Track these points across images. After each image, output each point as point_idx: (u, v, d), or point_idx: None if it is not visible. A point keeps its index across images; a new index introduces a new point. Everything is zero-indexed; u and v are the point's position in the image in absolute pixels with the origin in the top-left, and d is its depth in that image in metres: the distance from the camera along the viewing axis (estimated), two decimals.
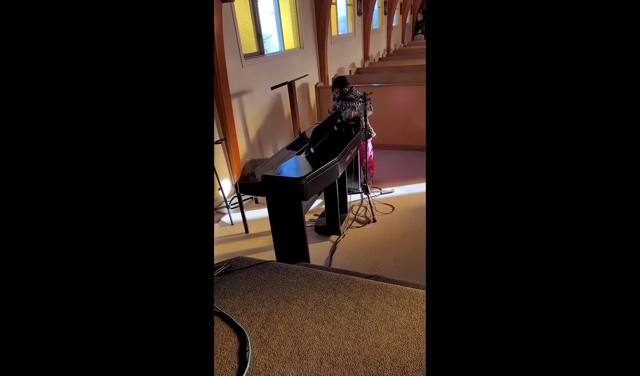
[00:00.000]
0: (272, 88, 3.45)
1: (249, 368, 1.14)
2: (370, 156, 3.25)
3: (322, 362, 1.14)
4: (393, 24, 8.55)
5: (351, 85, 3.04)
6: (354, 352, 1.17)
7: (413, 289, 1.43)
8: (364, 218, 2.82)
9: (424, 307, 1.33)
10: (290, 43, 4.39)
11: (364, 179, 3.08)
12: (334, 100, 3.08)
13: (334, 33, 5.54)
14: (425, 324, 1.25)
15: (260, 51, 3.74)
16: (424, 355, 1.13)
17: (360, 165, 3.04)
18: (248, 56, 3.50)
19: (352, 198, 3.09)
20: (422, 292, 1.41)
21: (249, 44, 3.59)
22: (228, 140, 3.12)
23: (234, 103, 3.24)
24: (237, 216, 2.93)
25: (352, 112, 2.92)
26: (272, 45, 4.13)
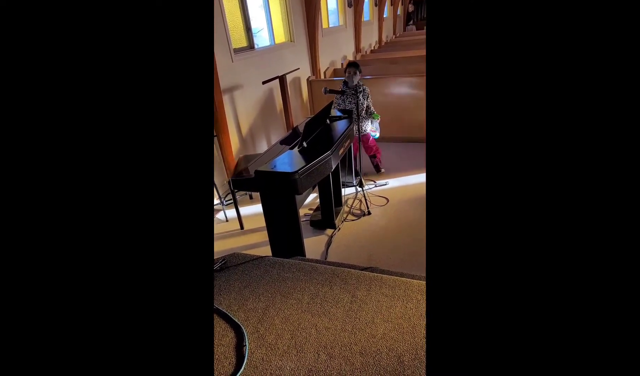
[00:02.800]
0: (264, 82, 3.42)
1: (247, 362, 1.14)
2: (372, 140, 3.28)
3: (319, 354, 1.15)
4: (384, 16, 8.50)
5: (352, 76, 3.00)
6: (351, 343, 1.18)
7: (408, 279, 1.45)
8: (358, 211, 2.82)
9: (419, 297, 1.34)
10: (280, 36, 4.34)
11: (359, 168, 3.11)
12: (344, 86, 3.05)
13: (324, 25, 5.49)
14: (420, 313, 1.27)
15: (251, 45, 3.70)
16: (420, 344, 1.15)
17: (353, 155, 3.06)
18: (238, 51, 3.46)
19: (347, 191, 3.09)
20: (417, 282, 1.42)
21: (238, 39, 3.55)
22: (220, 136, 3.10)
23: (225, 99, 3.21)
24: (231, 212, 2.92)
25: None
26: (262, 39, 4.08)
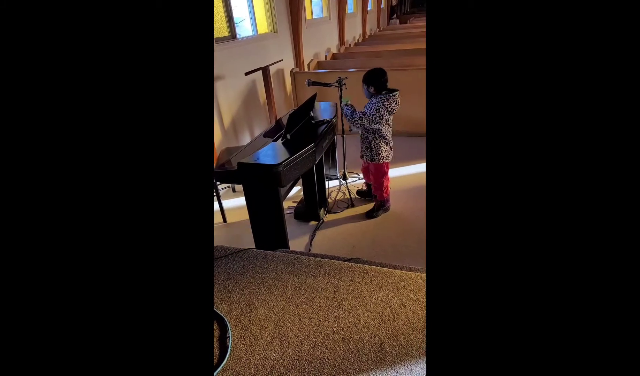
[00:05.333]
0: (246, 74, 3.37)
1: (230, 354, 1.14)
2: (385, 176, 2.54)
3: (302, 344, 1.16)
4: (368, 8, 8.49)
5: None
6: (334, 332, 1.20)
7: (390, 270, 1.48)
8: (342, 203, 2.85)
9: (400, 286, 1.37)
10: (263, 27, 4.27)
11: (344, 161, 3.08)
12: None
13: (308, 17, 5.43)
14: (401, 302, 1.30)
15: (233, 35, 3.62)
16: (400, 331, 1.18)
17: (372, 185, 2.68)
18: (219, 40, 3.38)
19: (330, 184, 3.11)
20: (399, 272, 1.45)
21: (220, 28, 3.47)
22: None
23: None
24: (214, 205, 2.88)
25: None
26: (244, 30, 4.00)
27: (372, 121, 2.31)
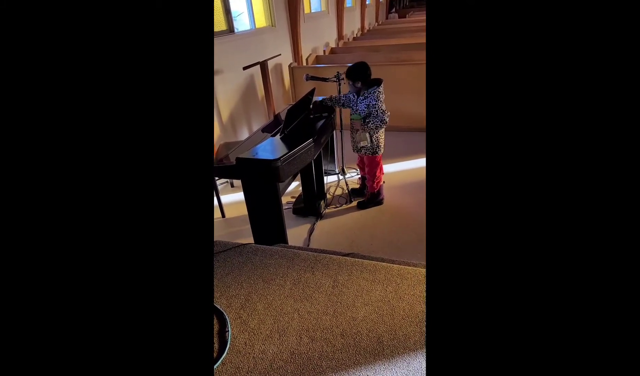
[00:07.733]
0: (244, 68, 3.35)
1: (229, 347, 1.15)
2: (379, 167, 2.59)
3: (301, 338, 1.17)
4: (367, 2, 8.42)
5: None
6: (332, 326, 1.21)
7: (388, 264, 1.49)
8: (341, 199, 2.85)
9: (398, 281, 1.38)
10: (261, 21, 4.24)
11: (342, 156, 3.08)
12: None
13: (306, 11, 5.39)
14: (399, 296, 1.31)
15: (230, 29, 3.59)
16: (398, 325, 1.19)
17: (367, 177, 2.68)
18: (217, 34, 3.36)
19: (329, 179, 3.11)
20: (397, 267, 1.46)
21: (217, 22, 3.44)
22: None
23: None
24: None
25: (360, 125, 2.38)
26: (242, 23, 3.97)
27: (383, 120, 2.39)
